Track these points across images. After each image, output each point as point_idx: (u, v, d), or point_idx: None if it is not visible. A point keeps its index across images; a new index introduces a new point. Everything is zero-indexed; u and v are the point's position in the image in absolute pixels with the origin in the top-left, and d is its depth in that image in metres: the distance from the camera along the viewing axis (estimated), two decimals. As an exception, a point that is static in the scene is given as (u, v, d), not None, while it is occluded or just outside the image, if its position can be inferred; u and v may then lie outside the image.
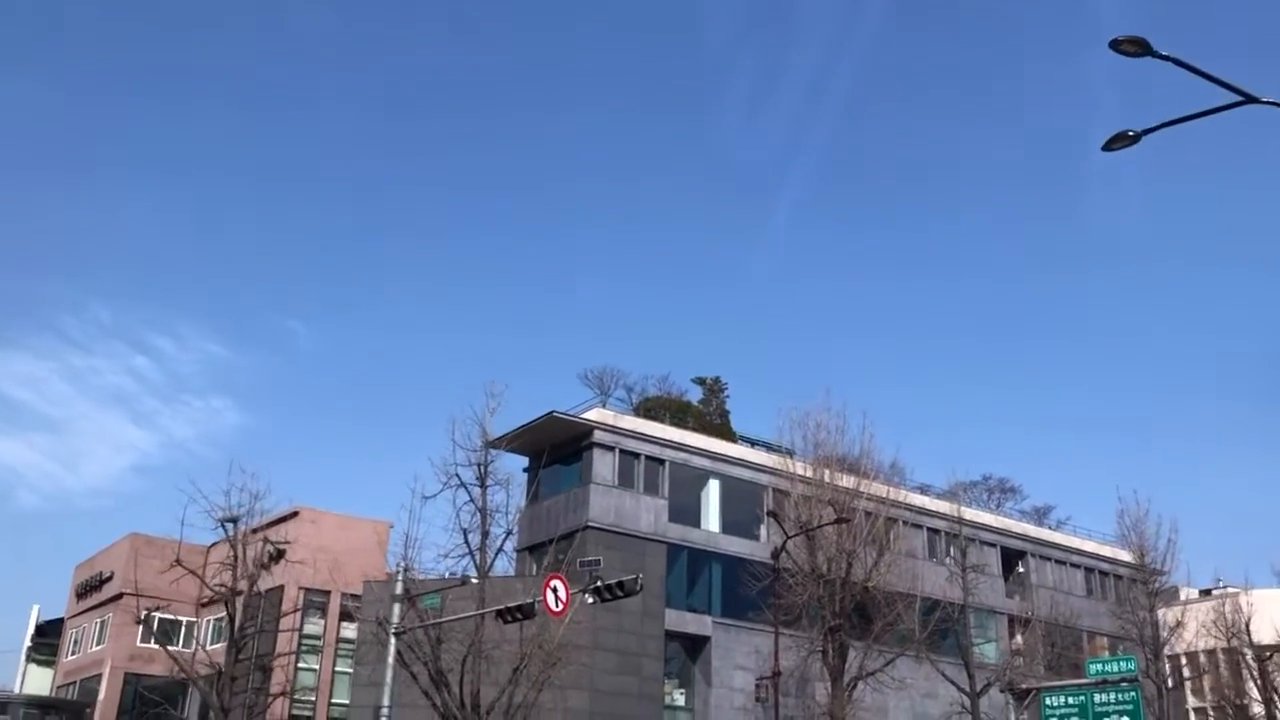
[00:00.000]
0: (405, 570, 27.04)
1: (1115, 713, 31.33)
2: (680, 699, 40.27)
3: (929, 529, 46.90)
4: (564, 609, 22.32)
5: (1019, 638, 46.44)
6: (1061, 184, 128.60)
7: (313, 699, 40.59)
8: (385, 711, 24.75)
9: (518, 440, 38.73)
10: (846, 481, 36.05)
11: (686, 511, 42.21)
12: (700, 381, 60.47)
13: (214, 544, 35.84)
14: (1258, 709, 46.72)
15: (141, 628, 39.38)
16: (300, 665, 40.63)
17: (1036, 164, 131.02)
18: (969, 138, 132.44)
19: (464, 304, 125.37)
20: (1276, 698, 45.62)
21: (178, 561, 29.86)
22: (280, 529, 39.98)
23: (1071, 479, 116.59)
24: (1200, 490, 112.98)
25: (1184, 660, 52.91)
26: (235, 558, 31.41)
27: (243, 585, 31.65)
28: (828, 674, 33.87)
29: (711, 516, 43.17)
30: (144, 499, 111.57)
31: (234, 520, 31.34)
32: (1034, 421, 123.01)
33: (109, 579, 48.91)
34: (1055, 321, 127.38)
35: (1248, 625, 46.05)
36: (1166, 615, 46.26)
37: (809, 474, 36.63)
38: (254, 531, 37.52)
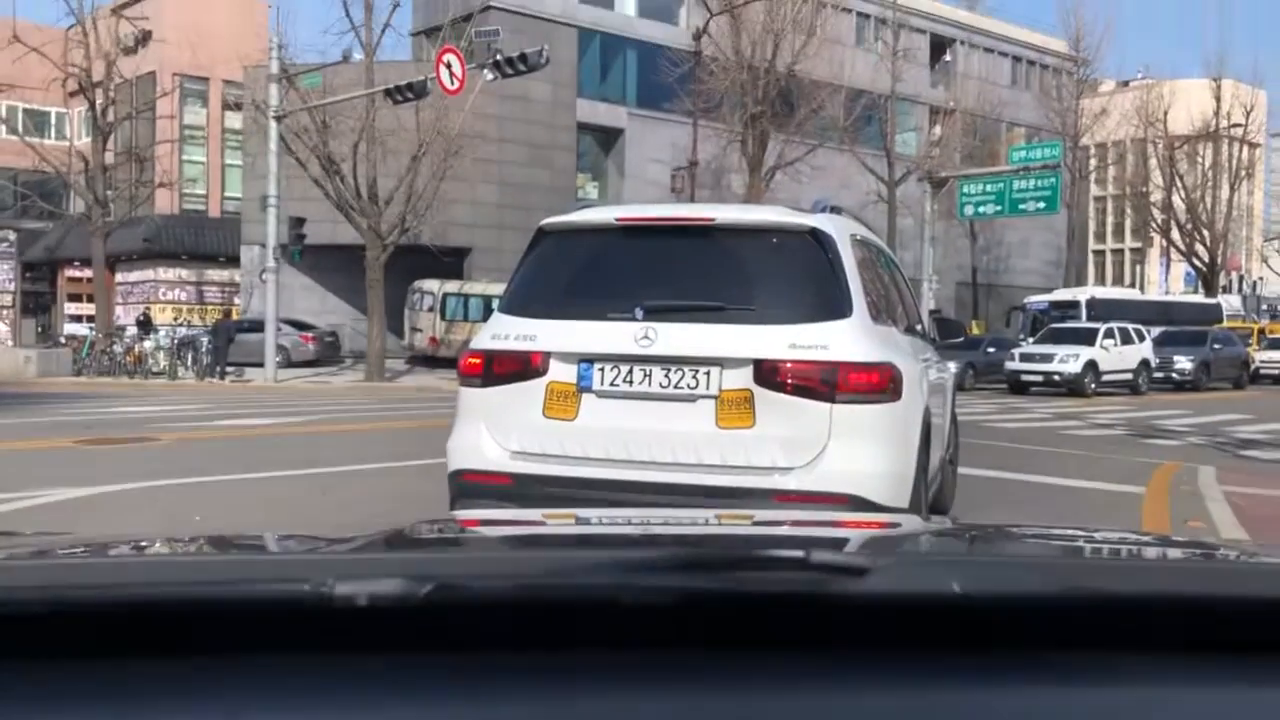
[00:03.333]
0: (280, 47, 23.91)
1: (1033, 199, 31.05)
2: (593, 191, 39.33)
3: (858, 13, 43.91)
4: (460, 86, 19.89)
5: (938, 128, 45.51)
6: None
7: (203, 192, 38.62)
8: (272, 201, 22.89)
9: (405, -97, 33.75)
10: (776, -43, 32.48)
11: (600, -8, 38.44)
12: None
13: (71, 26, 31.72)
14: (1157, 195, 47.88)
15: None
16: (185, 158, 38.11)
17: None
18: None
19: None
20: (1178, 182, 46.71)
21: (15, 37, 26.04)
22: (140, 7, 35.48)
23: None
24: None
25: (1092, 151, 53.18)
26: (85, 33, 27.63)
27: (99, 67, 28.15)
28: (746, 164, 32.72)
29: (627, -2, 39.53)
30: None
31: (77, -10, 27.11)
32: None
33: (-41, 68, 44.19)
34: None
35: (1165, 115, 45.85)
36: (1091, 105, 45.55)
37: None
38: (113, 11, 33.39)
